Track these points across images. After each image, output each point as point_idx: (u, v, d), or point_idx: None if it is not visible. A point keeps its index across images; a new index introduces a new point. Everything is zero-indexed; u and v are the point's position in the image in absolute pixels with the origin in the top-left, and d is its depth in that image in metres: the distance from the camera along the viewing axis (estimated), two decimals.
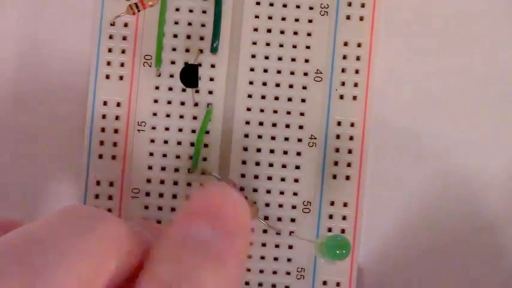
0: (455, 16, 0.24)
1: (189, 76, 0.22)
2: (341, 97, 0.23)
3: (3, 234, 0.19)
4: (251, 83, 0.23)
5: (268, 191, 0.23)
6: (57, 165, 0.24)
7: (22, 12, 0.24)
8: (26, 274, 0.13)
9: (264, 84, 0.23)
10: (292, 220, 0.23)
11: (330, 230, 0.23)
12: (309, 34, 0.23)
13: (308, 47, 0.23)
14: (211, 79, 0.23)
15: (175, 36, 0.23)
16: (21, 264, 0.14)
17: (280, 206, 0.23)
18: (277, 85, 0.23)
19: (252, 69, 0.23)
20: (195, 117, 0.23)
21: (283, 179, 0.23)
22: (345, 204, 0.23)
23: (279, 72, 0.23)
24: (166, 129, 0.23)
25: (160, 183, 0.23)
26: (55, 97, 0.24)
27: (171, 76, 0.23)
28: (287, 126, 0.23)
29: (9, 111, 0.24)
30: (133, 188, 0.23)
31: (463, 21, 0.24)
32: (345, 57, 0.23)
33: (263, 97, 0.23)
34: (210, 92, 0.23)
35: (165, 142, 0.23)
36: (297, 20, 0.23)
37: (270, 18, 0.23)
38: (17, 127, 0.24)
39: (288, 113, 0.23)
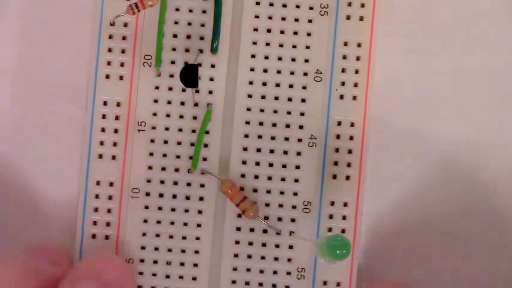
0: (455, 16, 0.24)
1: (189, 76, 0.22)
2: (341, 97, 0.23)
3: (47, 262, 0.19)
4: (251, 83, 0.23)
5: (268, 191, 0.23)
6: (57, 165, 0.24)
7: (22, 12, 0.24)
8: None
9: (264, 84, 0.23)
10: (293, 220, 0.23)
11: (330, 230, 0.23)
12: (308, 34, 0.23)
13: (308, 47, 0.23)
14: (211, 79, 0.23)
15: (175, 36, 0.23)
16: None
17: (280, 206, 0.23)
18: (277, 85, 0.23)
19: (252, 69, 0.23)
20: (195, 117, 0.23)
21: (283, 179, 0.23)
22: (345, 204, 0.23)
23: (279, 72, 0.23)
24: (166, 129, 0.23)
25: (161, 183, 0.23)
26: (55, 97, 0.24)
27: (171, 76, 0.23)
28: (287, 126, 0.23)
29: (8, 111, 0.24)
30: (133, 188, 0.23)
31: (463, 21, 0.24)
32: (344, 57, 0.23)
33: (263, 97, 0.23)
34: (210, 92, 0.23)
35: (165, 142, 0.23)
36: (296, 20, 0.23)
37: (269, 18, 0.23)
38: (16, 127, 0.24)
39: (288, 113, 0.23)
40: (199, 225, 0.23)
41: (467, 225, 0.24)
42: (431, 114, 0.24)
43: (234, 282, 0.23)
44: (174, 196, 0.23)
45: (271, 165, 0.23)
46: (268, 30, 0.23)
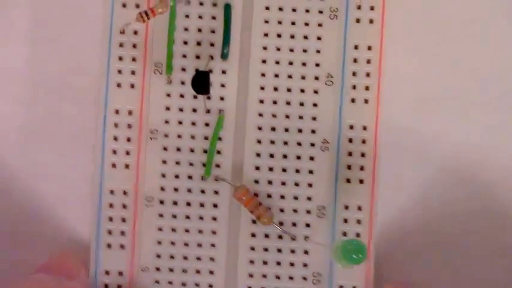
0: (466, 17, 0.24)
1: (201, 83, 0.22)
2: (352, 101, 0.23)
3: (65, 277, 0.19)
4: (262, 88, 0.23)
5: (282, 197, 0.23)
6: (71, 175, 0.23)
7: (31, 22, 0.24)
8: None
9: (275, 89, 0.23)
10: (307, 225, 0.23)
11: (345, 234, 0.23)
12: (319, 38, 0.23)
13: (318, 51, 0.23)
14: (223, 85, 0.23)
15: (185, 43, 0.23)
16: None
17: (295, 211, 0.23)
18: (289, 90, 0.23)
19: (263, 75, 0.23)
20: (207, 124, 0.23)
21: (296, 184, 0.23)
22: (359, 208, 0.23)
23: (290, 77, 0.23)
24: (179, 136, 0.23)
25: (174, 191, 0.23)
26: (66, 106, 0.24)
27: (182, 83, 0.23)
28: (299, 131, 0.23)
29: (21, 119, 0.24)
30: (147, 196, 0.23)
31: (472, 22, 0.24)
32: (355, 60, 0.23)
33: (275, 102, 0.23)
34: (222, 98, 0.23)
35: (178, 149, 0.23)
36: (306, 25, 0.23)
37: (279, 23, 0.23)
38: (29, 136, 0.24)
39: (300, 117, 0.23)
40: (214, 232, 0.23)
41: (482, 227, 0.24)
42: (443, 115, 0.24)
43: None
44: (188, 204, 0.23)
45: (284, 170, 0.23)
46: (279, 35, 0.23)
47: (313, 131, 0.23)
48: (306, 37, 0.23)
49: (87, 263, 0.23)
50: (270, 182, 0.23)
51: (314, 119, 0.23)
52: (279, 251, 0.23)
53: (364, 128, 0.23)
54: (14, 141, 0.24)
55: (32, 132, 0.24)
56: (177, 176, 0.23)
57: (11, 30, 0.24)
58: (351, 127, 0.23)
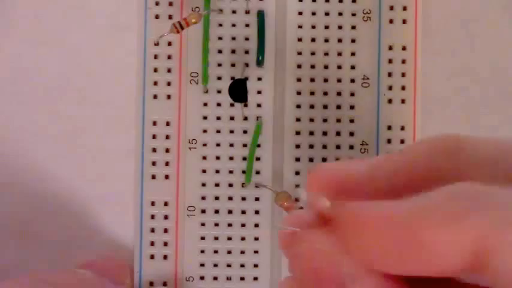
0: (496, 14, 0.24)
1: (238, 91, 0.22)
2: (389, 101, 0.23)
3: (111, 281, 0.19)
4: (299, 93, 0.23)
5: None
6: (111, 188, 0.24)
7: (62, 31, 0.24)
8: None
9: (312, 93, 0.23)
10: None
11: None
12: (353, 40, 0.23)
13: (353, 54, 0.23)
14: (259, 92, 0.23)
15: (220, 51, 0.23)
16: None
17: None
18: (325, 93, 0.23)
19: (298, 79, 0.23)
20: (245, 131, 0.23)
21: None
22: None
23: (326, 80, 0.23)
24: (217, 145, 0.23)
25: (215, 199, 0.23)
26: (103, 120, 0.24)
27: (219, 92, 0.23)
28: (337, 133, 0.23)
29: (56, 133, 0.24)
30: (188, 206, 0.23)
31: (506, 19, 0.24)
32: (390, 61, 0.23)
33: (312, 106, 0.23)
34: (259, 105, 0.23)
35: (217, 158, 0.23)
36: (340, 28, 0.23)
37: (313, 27, 0.23)
38: (67, 150, 0.24)
39: (338, 120, 0.23)
40: (256, 239, 0.23)
41: None
42: (477, 111, 0.24)
43: None
44: (230, 211, 0.23)
45: None
46: (313, 40, 0.23)
47: (351, 133, 0.23)
48: (340, 40, 0.23)
49: (133, 273, 0.23)
50: None
51: (352, 121, 0.23)
52: None
53: (402, 128, 0.23)
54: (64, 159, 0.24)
55: (77, 148, 0.24)
56: (217, 185, 0.23)
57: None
58: (389, 128, 0.23)
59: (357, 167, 0.14)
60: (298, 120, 0.23)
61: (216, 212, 0.23)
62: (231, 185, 0.23)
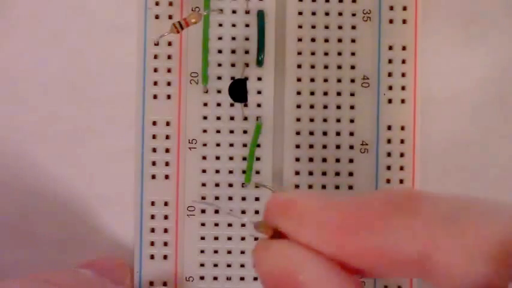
0: (496, 14, 0.24)
1: (238, 91, 0.22)
2: (389, 101, 0.23)
3: (111, 281, 0.19)
4: (299, 93, 0.23)
5: None
6: (111, 188, 0.24)
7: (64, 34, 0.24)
8: None
9: (312, 93, 0.23)
10: None
11: None
12: (353, 40, 0.23)
13: (353, 54, 0.23)
14: (259, 92, 0.23)
15: (219, 51, 0.23)
16: None
17: None
18: (325, 93, 0.23)
19: (299, 79, 0.23)
20: (245, 131, 0.23)
21: (337, 187, 0.23)
22: None
23: (325, 80, 0.23)
24: (217, 145, 0.23)
25: (215, 199, 0.23)
26: (103, 120, 0.24)
27: (219, 92, 0.23)
28: (337, 134, 0.23)
29: (56, 133, 0.24)
30: (188, 206, 0.23)
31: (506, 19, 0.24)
32: (390, 61, 0.23)
33: (312, 106, 0.23)
34: (259, 105, 0.23)
35: (217, 158, 0.23)
36: (340, 28, 0.23)
37: (313, 27, 0.23)
38: (67, 150, 0.24)
39: (338, 120, 0.23)
40: (256, 239, 0.23)
41: None
42: (480, 112, 0.24)
43: None
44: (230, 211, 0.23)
45: (324, 173, 0.23)
46: (313, 40, 0.23)
47: (351, 133, 0.23)
48: (340, 40, 0.23)
49: (133, 272, 0.23)
50: (310, 186, 0.23)
51: (352, 121, 0.23)
52: None
53: (402, 128, 0.23)
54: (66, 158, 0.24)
55: (80, 147, 0.24)
56: (217, 185, 0.23)
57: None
58: (389, 128, 0.23)
59: (316, 199, 0.15)
60: (298, 120, 0.23)
61: (216, 212, 0.23)
62: (231, 185, 0.23)
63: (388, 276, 0.15)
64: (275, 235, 0.16)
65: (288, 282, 0.15)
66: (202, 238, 0.23)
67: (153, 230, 0.23)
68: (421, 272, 0.14)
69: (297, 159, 0.23)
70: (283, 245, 0.15)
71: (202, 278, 0.23)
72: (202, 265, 0.23)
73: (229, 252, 0.23)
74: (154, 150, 0.23)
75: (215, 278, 0.23)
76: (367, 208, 0.15)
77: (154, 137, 0.23)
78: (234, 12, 0.23)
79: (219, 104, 0.23)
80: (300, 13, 0.23)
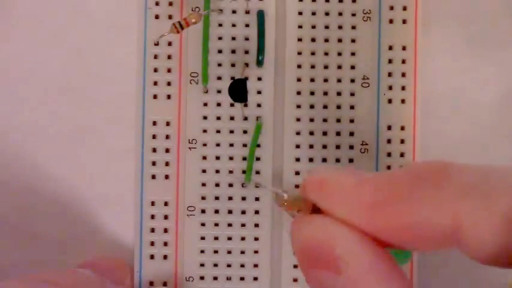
0: (496, 14, 0.24)
1: (238, 91, 0.22)
2: (389, 101, 0.23)
3: (111, 281, 0.19)
4: (299, 93, 0.23)
5: None
6: (111, 188, 0.24)
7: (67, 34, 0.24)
8: None
9: (312, 93, 0.23)
10: None
11: None
12: (353, 40, 0.23)
13: (353, 54, 0.23)
14: (259, 92, 0.23)
15: (219, 51, 0.23)
16: None
17: None
18: (325, 93, 0.23)
19: (299, 79, 0.23)
20: (245, 131, 0.23)
21: None
22: None
23: (326, 80, 0.23)
24: (217, 145, 0.23)
25: (215, 199, 0.23)
26: (103, 120, 0.24)
27: (219, 92, 0.23)
28: (337, 133, 0.23)
29: (56, 133, 0.24)
30: (188, 206, 0.23)
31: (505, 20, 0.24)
32: (390, 61, 0.23)
33: (311, 106, 0.23)
34: (259, 105, 0.23)
35: (217, 158, 0.23)
36: (340, 28, 0.23)
37: (313, 27, 0.23)
38: (67, 150, 0.24)
39: (338, 120, 0.23)
40: (256, 239, 0.23)
41: None
42: (479, 112, 0.24)
43: None
44: (230, 211, 0.23)
45: None
46: (313, 40, 0.23)
47: (351, 133, 0.23)
48: (340, 40, 0.23)
49: (133, 272, 0.23)
50: None
51: (352, 121, 0.23)
52: None
53: (402, 128, 0.23)
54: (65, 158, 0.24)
55: (80, 148, 0.24)
56: (217, 185, 0.23)
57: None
58: (389, 127, 0.23)
59: (348, 177, 0.16)
60: (298, 120, 0.23)
61: (216, 212, 0.23)
62: (231, 185, 0.23)
63: (421, 249, 0.16)
64: (312, 211, 0.16)
65: (325, 254, 0.15)
66: (202, 238, 0.23)
67: (153, 230, 0.23)
68: (453, 243, 0.15)
69: (297, 159, 0.23)
70: (322, 220, 0.16)
71: (202, 278, 0.23)
72: (202, 265, 0.23)
73: (229, 252, 0.23)
74: (154, 150, 0.23)
75: (215, 278, 0.23)
76: (397, 183, 0.15)
77: (154, 137, 0.23)
78: (234, 12, 0.23)
79: (219, 104, 0.23)
80: (300, 13, 0.23)
